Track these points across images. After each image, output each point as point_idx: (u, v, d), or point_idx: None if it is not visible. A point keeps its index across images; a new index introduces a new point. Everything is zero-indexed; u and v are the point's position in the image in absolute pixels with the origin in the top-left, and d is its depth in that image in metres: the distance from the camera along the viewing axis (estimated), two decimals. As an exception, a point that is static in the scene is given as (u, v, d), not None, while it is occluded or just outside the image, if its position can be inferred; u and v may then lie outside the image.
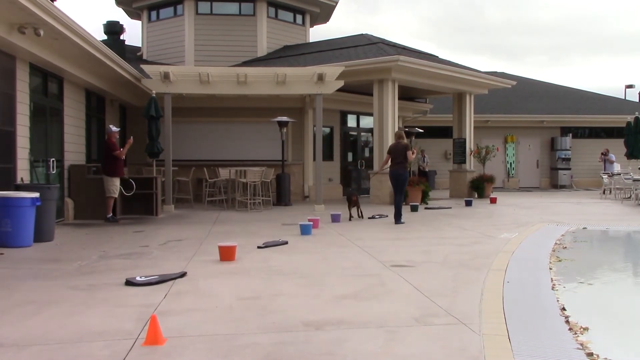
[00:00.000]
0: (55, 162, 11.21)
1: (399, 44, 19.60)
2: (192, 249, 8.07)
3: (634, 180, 16.88)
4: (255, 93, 15.21)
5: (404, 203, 12.10)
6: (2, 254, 7.54)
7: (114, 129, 12.26)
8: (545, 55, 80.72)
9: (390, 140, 16.23)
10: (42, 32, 8.82)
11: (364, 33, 20.66)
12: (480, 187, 19.00)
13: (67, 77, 11.96)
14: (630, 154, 19.19)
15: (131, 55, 19.96)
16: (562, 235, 9.69)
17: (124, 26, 19.33)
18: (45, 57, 10.05)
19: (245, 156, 17.68)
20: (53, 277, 6.15)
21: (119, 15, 69.41)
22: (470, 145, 19.65)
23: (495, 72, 27.10)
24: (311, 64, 16.11)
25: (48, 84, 11.33)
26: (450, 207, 15.14)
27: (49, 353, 3.69)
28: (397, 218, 11.39)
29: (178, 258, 7.33)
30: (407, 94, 20.29)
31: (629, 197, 18.03)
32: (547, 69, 78.27)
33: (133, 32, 47.18)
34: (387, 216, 12.70)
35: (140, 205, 12.99)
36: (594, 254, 8.69)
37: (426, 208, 14.93)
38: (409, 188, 15.72)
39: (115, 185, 11.81)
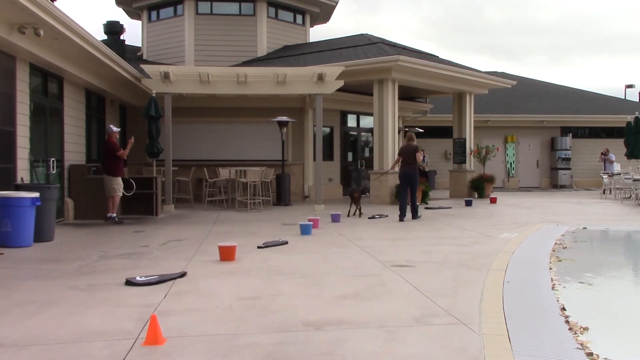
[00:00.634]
0: (55, 162, 11.21)
1: (399, 44, 19.60)
2: (192, 249, 8.07)
3: (634, 180, 16.88)
4: (255, 93, 15.21)
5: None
6: (2, 254, 7.54)
7: (115, 129, 12.25)
8: (545, 55, 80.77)
9: (390, 140, 16.27)
10: (42, 32, 8.82)
11: (364, 33, 20.66)
12: (480, 187, 19.00)
13: (67, 77, 11.96)
14: (630, 154, 19.19)
15: (131, 55, 19.96)
16: (562, 235, 9.69)
17: (124, 26, 19.34)
18: (45, 57, 10.05)
19: (245, 156, 17.68)
20: (53, 277, 6.15)
21: (119, 15, 69.42)
22: (470, 145, 19.65)
23: (496, 72, 27.11)
24: (311, 64, 16.11)
25: (48, 84, 11.33)
26: (450, 207, 15.14)
27: (49, 353, 3.69)
28: (414, 214, 12.11)
29: (178, 258, 7.33)
30: (407, 94, 20.29)
31: (629, 197, 18.03)
32: (547, 69, 78.33)
33: (133, 32, 47.20)
34: (387, 216, 12.71)
35: (140, 205, 12.99)
36: (594, 254, 8.69)
37: (426, 208, 14.92)
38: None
39: (119, 184, 11.82)
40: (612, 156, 24.24)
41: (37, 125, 10.56)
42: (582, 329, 4.23)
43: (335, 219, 11.63)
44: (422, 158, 22.59)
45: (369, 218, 12.37)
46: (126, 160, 12.16)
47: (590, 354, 3.70)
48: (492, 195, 18.08)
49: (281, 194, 15.96)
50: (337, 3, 21.83)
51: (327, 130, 19.13)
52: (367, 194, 13.90)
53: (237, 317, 4.53)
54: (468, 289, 5.50)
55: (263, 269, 6.58)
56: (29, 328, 4.22)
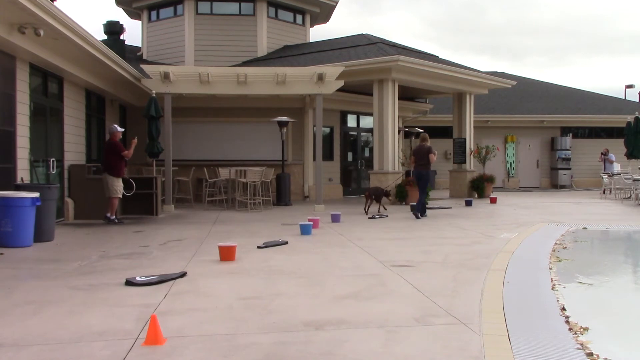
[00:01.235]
0: (55, 162, 11.21)
1: (399, 44, 19.60)
2: (192, 249, 8.07)
3: (634, 180, 16.88)
4: (255, 93, 15.21)
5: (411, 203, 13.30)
6: (2, 254, 7.54)
7: (119, 128, 12.20)
8: (545, 55, 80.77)
9: (390, 140, 16.27)
10: (42, 32, 8.81)
11: (364, 33, 20.66)
12: (480, 187, 19.00)
13: (67, 77, 11.96)
14: (630, 154, 19.18)
15: (131, 55, 19.97)
16: (562, 235, 9.68)
17: (124, 26, 19.36)
18: (45, 57, 10.05)
19: (245, 156, 17.68)
20: (53, 277, 6.15)
21: (119, 15, 69.47)
22: (470, 145, 19.65)
23: (496, 72, 27.12)
24: (311, 64, 16.11)
25: (48, 84, 11.33)
26: (451, 207, 15.15)
27: (49, 353, 3.69)
28: (421, 211, 12.55)
29: (178, 258, 7.33)
30: (407, 94, 20.29)
31: (629, 197, 18.03)
32: (547, 69, 78.34)
33: (133, 32, 47.21)
34: (387, 216, 12.72)
35: (140, 205, 12.99)
36: (594, 254, 8.69)
37: (426, 208, 14.91)
38: (409, 188, 15.77)
39: (120, 186, 11.79)
40: (612, 156, 24.23)
41: (37, 125, 10.56)
42: (582, 329, 4.23)
43: (335, 219, 11.63)
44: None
45: (369, 218, 12.38)
46: (126, 161, 12.12)
47: (590, 354, 3.70)
48: (492, 195, 18.08)
49: (281, 194, 15.96)
50: (337, 3, 21.82)
51: (327, 130, 19.13)
52: (389, 198, 14.22)
53: (237, 317, 4.53)
54: (468, 289, 5.50)
55: (263, 269, 6.57)
56: (29, 328, 4.22)
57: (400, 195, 15.93)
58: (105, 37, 18.66)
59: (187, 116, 17.24)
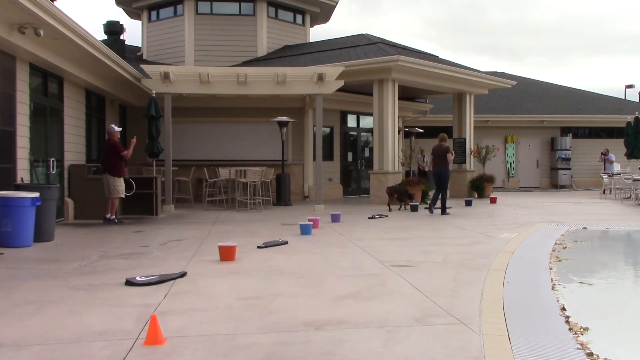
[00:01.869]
0: (55, 162, 11.21)
1: (399, 44, 19.60)
2: (192, 249, 8.07)
3: (634, 180, 16.88)
4: (255, 93, 15.21)
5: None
6: (2, 254, 7.54)
7: (117, 128, 12.19)
8: (545, 55, 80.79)
9: (390, 140, 16.27)
10: (42, 32, 8.82)
11: (364, 33, 20.67)
12: (480, 187, 19.00)
13: (67, 77, 11.96)
14: (630, 154, 19.19)
15: (131, 55, 19.97)
16: (562, 235, 9.68)
17: (124, 26, 19.35)
18: (45, 57, 10.05)
19: (245, 156, 17.68)
20: (53, 277, 6.14)
21: (119, 15, 69.48)
22: (470, 145, 19.65)
23: (495, 72, 27.12)
24: (311, 64, 16.11)
25: (48, 84, 11.33)
26: (451, 207, 15.09)
27: (49, 353, 3.69)
28: (432, 208, 13.21)
29: (178, 258, 7.33)
30: (407, 94, 20.29)
31: (629, 197, 18.04)
32: (547, 69, 78.36)
33: (133, 32, 47.20)
34: (387, 216, 12.72)
35: (140, 205, 12.99)
36: (594, 254, 8.69)
37: (426, 208, 14.91)
38: (409, 188, 15.76)
39: (122, 186, 11.77)
40: (612, 156, 24.24)
41: (37, 125, 10.56)
42: (582, 329, 4.23)
43: (335, 219, 11.62)
44: (422, 158, 22.80)
45: (369, 218, 12.38)
46: (126, 160, 12.11)
47: (590, 354, 3.70)
48: (492, 195, 18.08)
49: (281, 194, 15.96)
50: (337, 3, 21.82)
51: (327, 130, 19.13)
52: (408, 199, 14.60)
53: (237, 317, 4.53)
54: (468, 289, 5.50)
55: (263, 269, 6.57)
56: (29, 328, 4.21)
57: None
58: (105, 37, 18.66)
59: (187, 116, 17.24)
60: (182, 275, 6.12)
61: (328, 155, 18.58)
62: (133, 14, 22.23)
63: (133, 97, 16.55)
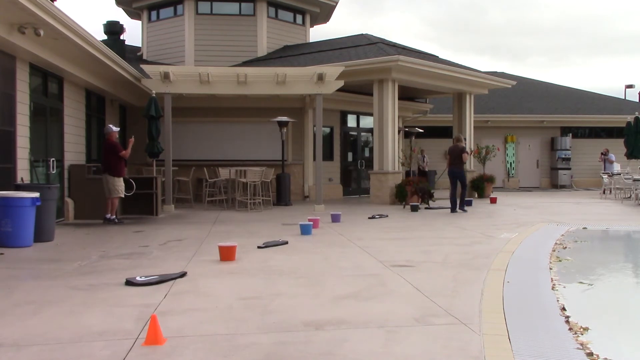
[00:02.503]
0: (55, 162, 11.21)
1: (399, 44, 19.60)
2: (192, 249, 8.07)
3: (634, 180, 16.88)
4: (255, 93, 15.21)
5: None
6: (2, 254, 7.54)
7: (115, 128, 12.20)
8: (545, 56, 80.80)
9: (390, 140, 16.27)
10: (42, 32, 8.82)
11: (363, 33, 20.66)
12: (480, 187, 19.00)
13: (67, 77, 11.96)
14: (630, 154, 19.18)
15: (131, 55, 19.97)
16: (562, 235, 9.68)
17: (124, 26, 19.35)
18: (45, 57, 10.05)
19: (245, 156, 17.68)
20: (53, 277, 6.14)
21: (119, 15, 69.48)
22: (470, 145, 19.64)
23: (495, 72, 27.12)
24: (311, 64, 16.11)
25: (48, 84, 11.33)
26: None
27: (49, 353, 3.69)
28: (461, 205, 13.81)
29: (178, 258, 7.33)
30: (407, 94, 20.29)
31: (629, 197, 18.03)
32: (547, 69, 78.36)
33: (133, 32, 47.20)
34: (387, 216, 12.72)
35: (140, 205, 12.99)
36: (594, 254, 8.69)
37: (426, 208, 14.94)
38: (409, 188, 15.77)
39: (121, 186, 11.77)
40: (612, 156, 24.23)
41: (37, 125, 10.56)
42: (582, 329, 4.23)
43: (335, 219, 11.62)
44: (422, 158, 22.80)
45: (369, 218, 12.37)
46: (126, 160, 12.11)
47: (590, 354, 3.70)
48: (492, 195, 18.08)
49: (281, 194, 15.96)
50: (337, 3, 21.82)
51: (327, 130, 19.13)
52: (429, 197, 15.37)
53: (237, 317, 4.53)
54: (468, 289, 5.50)
55: (263, 269, 6.58)
56: (29, 328, 4.22)
57: (400, 195, 15.92)
58: (105, 37, 18.66)
59: (187, 116, 17.24)
60: (182, 275, 6.12)
61: (328, 155, 18.58)
62: (133, 14, 22.23)
63: (133, 97, 16.55)
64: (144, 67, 15.08)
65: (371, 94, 16.62)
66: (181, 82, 14.62)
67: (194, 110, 17.37)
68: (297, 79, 14.64)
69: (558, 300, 5.12)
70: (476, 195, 18.76)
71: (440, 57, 19.76)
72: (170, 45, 20.47)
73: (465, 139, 14.31)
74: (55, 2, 8.75)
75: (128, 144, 12.03)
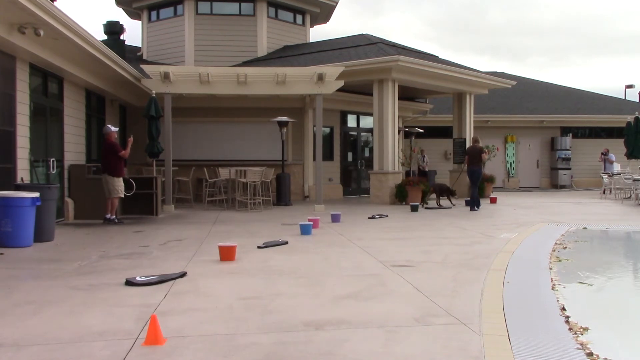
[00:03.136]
0: (55, 162, 11.21)
1: (399, 44, 19.60)
2: (192, 249, 8.07)
3: (634, 180, 16.88)
4: (255, 93, 15.21)
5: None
6: (2, 254, 7.54)
7: (113, 128, 12.20)
8: (546, 56, 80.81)
9: (390, 140, 16.27)
10: (42, 32, 8.82)
11: (363, 33, 20.67)
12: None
13: (67, 77, 11.96)
14: (630, 154, 19.18)
15: (131, 55, 19.96)
16: (562, 235, 9.68)
17: (124, 26, 19.35)
18: (45, 57, 10.05)
19: (245, 156, 17.68)
20: (53, 277, 6.14)
21: (119, 15, 69.48)
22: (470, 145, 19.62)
23: (495, 72, 27.11)
24: (311, 64, 16.11)
25: (48, 84, 11.33)
26: (451, 207, 15.15)
27: (49, 353, 3.69)
28: (474, 205, 14.39)
29: (178, 258, 7.33)
30: (407, 94, 20.29)
31: (629, 197, 18.03)
32: (547, 69, 78.37)
33: (133, 32, 47.20)
34: (387, 216, 12.72)
35: (140, 205, 12.99)
36: (594, 254, 8.69)
37: (426, 208, 14.94)
38: (409, 188, 15.78)
39: (121, 185, 11.77)
40: (612, 156, 24.23)
41: (37, 125, 10.56)
42: (582, 329, 4.23)
43: (335, 219, 11.62)
44: (422, 158, 22.82)
45: (369, 218, 12.37)
46: (126, 160, 12.11)
47: (590, 354, 3.70)
48: (492, 195, 18.08)
49: (281, 194, 15.95)
50: (337, 3, 21.82)
51: (327, 130, 19.13)
52: (450, 194, 15.96)
53: (237, 317, 4.53)
54: (468, 289, 5.50)
55: (263, 269, 6.58)
56: (29, 328, 4.22)
57: (400, 195, 15.92)
58: (105, 37, 18.66)
59: (187, 116, 17.24)
60: (182, 275, 6.12)
61: (328, 155, 18.59)
62: (133, 14, 22.23)
63: (133, 97, 16.55)
64: (144, 67, 15.08)
65: (371, 94, 16.62)
66: (181, 82, 14.62)
67: (194, 110, 17.37)
68: (297, 79, 14.64)
69: (558, 300, 5.12)
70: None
71: (440, 57, 19.77)
72: (170, 45, 20.47)
73: (480, 141, 15.19)
74: (55, 2, 8.75)
75: (127, 144, 12.03)
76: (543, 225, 11.00)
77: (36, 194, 8.24)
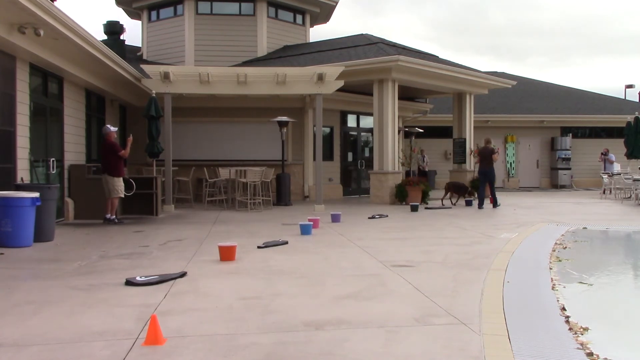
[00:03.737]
0: (55, 162, 11.20)
1: (399, 44, 19.60)
2: (192, 249, 8.07)
3: (634, 180, 16.87)
4: (255, 93, 15.21)
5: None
6: (2, 254, 7.54)
7: (113, 128, 12.19)
8: (546, 56, 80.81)
9: (390, 140, 16.27)
10: (42, 32, 8.81)
11: (364, 33, 20.66)
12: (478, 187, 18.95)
13: (67, 77, 11.96)
14: (630, 154, 19.17)
15: (131, 55, 19.96)
16: (562, 235, 9.68)
17: (124, 26, 19.34)
18: (45, 57, 10.05)
19: (245, 156, 17.68)
20: (53, 277, 6.14)
21: (119, 15, 69.46)
22: (470, 145, 19.64)
23: (495, 72, 27.12)
24: (311, 64, 16.11)
25: (48, 84, 11.32)
26: (451, 207, 15.15)
27: (49, 353, 3.69)
28: (494, 202, 15.18)
29: (178, 258, 7.33)
30: (407, 94, 20.29)
31: (629, 197, 18.03)
32: (548, 69, 78.37)
33: (133, 32, 47.18)
34: (387, 216, 12.72)
35: (140, 205, 12.99)
36: (594, 254, 8.69)
37: (426, 208, 14.94)
38: (409, 188, 15.78)
39: (121, 185, 11.77)
40: (612, 156, 24.23)
41: (37, 125, 10.56)
42: (582, 329, 4.23)
43: (335, 219, 11.62)
44: (422, 158, 22.82)
45: (369, 218, 12.37)
46: (126, 160, 12.10)
47: (590, 354, 3.70)
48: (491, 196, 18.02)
49: (281, 194, 15.95)
50: (337, 3, 21.82)
51: (327, 130, 19.12)
52: (467, 193, 16.28)
53: (237, 317, 4.53)
54: (468, 289, 5.50)
55: (263, 268, 6.58)
56: (29, 328, 4.22)
57: (400, 195, 15.92)
58: (105, 37, 18.65)
59: (187, 116, 17.24)
60: (182, 275, 6.12)
61: (328, 155, 18.58)
62: (133, 14, 22.22)
63: (133, 97, 16.55)
64: (144, 67, 15.08)
65: (371, 94, 16.62)
66: (181, 82, 14.62)
67: (194, 110, 17.36)
68: (297, 79, 14.64)
69: (558, 300, 5.12)
70: (476, 196, 18.71)
71: (440, 57, 19.76)
72: (170, 45, 20.47)
73: (492, 142, 15.68)
74: (55, 2, 8.75)
75: (127, 143, 12.02)
76: (543, 225, 11.00)
77: (36, 194, 8.24)
